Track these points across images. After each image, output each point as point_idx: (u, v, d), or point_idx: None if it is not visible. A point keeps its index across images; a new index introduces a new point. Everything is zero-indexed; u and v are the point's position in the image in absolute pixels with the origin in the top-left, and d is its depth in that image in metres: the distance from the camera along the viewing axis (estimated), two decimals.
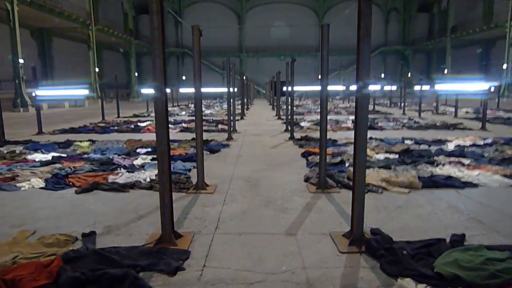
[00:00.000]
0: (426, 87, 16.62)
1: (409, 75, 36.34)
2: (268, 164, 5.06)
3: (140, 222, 2.86)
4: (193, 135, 8.02)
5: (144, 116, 13.93)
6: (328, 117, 12.94)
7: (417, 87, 22.14)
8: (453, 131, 8.67)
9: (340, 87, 30.00)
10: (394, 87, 23.31)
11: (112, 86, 20.87)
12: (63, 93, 12.90)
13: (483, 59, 35.94)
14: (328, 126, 9.83)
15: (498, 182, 3.95)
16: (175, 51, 45.43)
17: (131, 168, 4.69)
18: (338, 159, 4.99)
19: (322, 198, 3.43)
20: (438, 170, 4.39)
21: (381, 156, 5.30)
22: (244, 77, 17.23)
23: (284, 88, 12.10)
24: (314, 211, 3.09)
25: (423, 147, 6.13)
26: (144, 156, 5.39)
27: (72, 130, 9.14)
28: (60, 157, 5.49)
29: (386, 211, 3.09)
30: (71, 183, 4.01)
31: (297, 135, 7.85)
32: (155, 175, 4.25)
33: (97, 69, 27.83)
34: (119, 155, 5.58)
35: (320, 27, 3.53)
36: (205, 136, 8.00)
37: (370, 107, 18.11)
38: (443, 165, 4.73)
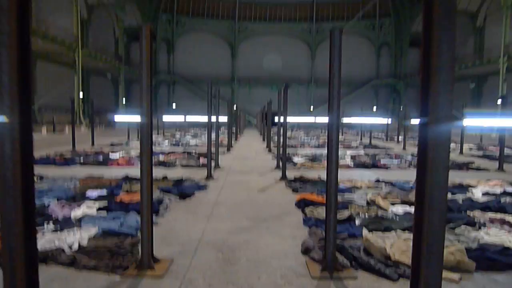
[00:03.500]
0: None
1: (401, 109, 36.02)
2: (252, 218, 3.82)
3: None
4: (168, 171, 6.80)
5: (122, 145, 12.66)
6: (322, 151, 11.86)
7: (414, 121, 21.29)
8: (467, 172, 7.57)
9: None
10: (389, 120, 22.41)
11: (96, 112, 19.48)
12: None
13: (475, 94, 35.91)
14: (323, 163, 8.66)
15: None
16: (166, 79, 44.73)
17: (64, 223, 3.41)
18: (345, 213, 3.77)
19: None
20: (484, 236, 3.20)
21: (399, 209, 4.10)
22: (235, 106, 16.23)
23: (276, 119, 11.03)
24: None
25: None
26: (91, 204, 4.10)
27: None
28: None
29: None
30: None
31: (290, 173, 6.65)
32: (90, 238, 2.99)
33: (81, 95, 26.64)
34: (59, 199, 4.29)
35: (329, 35, 2.43)
36: (183, 172, 6.76)
37: (366, 141, 17.12)
38: (484, 225, 3.55)
